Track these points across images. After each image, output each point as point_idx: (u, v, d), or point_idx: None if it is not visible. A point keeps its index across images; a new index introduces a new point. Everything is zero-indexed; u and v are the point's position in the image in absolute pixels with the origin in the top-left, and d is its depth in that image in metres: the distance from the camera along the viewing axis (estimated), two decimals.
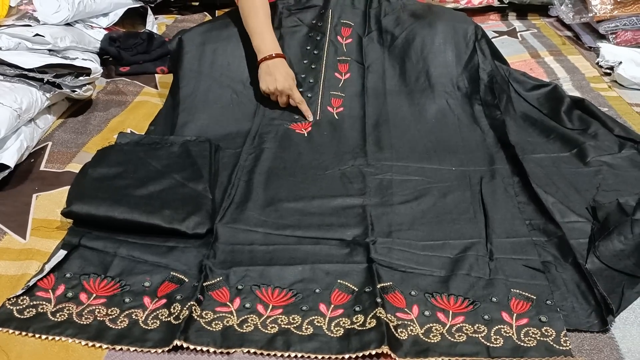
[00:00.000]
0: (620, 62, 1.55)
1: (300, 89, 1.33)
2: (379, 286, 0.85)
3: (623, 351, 0.76)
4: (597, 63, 1.64)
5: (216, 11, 2.20)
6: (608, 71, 1.59)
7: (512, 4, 2.07)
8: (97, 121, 1.36)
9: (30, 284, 0.87)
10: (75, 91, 1.34)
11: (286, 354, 0.77)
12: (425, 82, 1.36)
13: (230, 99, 1.33)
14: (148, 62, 1.65)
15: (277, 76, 1.27)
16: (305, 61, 1.36)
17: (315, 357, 0.76)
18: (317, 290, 0.87)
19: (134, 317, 0.82)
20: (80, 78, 1.35)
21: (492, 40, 1.82)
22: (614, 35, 1.71)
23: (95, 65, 1.41)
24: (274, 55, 1.28)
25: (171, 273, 0.89)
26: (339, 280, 0.88)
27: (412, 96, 1.35)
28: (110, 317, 0.82)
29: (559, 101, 1.33)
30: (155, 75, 1.62)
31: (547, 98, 1.37)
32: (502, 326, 0.80)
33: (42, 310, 0.83)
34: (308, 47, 1.39)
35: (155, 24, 1.93)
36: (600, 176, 1.11)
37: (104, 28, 1.72)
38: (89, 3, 1.65)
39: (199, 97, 1.32)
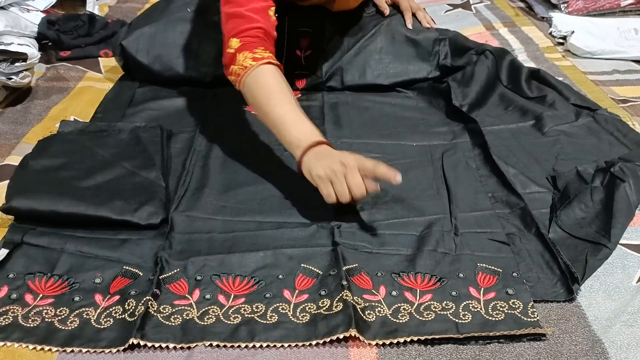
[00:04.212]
0: (573, 32, 1.55)
1: None
2: (344, 268, 0.82)
3: (590, 319, 0.76)
4: (550, 33, 1.65)
5: None
6: (561, 41, 1.60)
7: None
8: (38, 110, 1.28)
9: None
10: (12, 78, 1.26)
11: (250, 345, 0.73)
12: None
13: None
14: (90, 45, 1.56)
15: (337, 157, 0.88)
16: None
17: (282, 346, 0.73)
18: (281, 276, 0.83)
19: (85, 316, 0.77)
20: (17, 64, 1.27)
21: (447, 13, 1.83)
22: (565, 5, 1.71)
23: (32, 50, 1.32)
24: (317, 142, 0.90)
25: (124, 267, 0.84)
26: (302, 265, 0.85)
27: None
28: (60, 317, 0.77)
29: (519, 71, 1.32)
30: (99, 58, 1.53)
31: (507, 68, 1.36)
32: (470, 302, 0.79)
33: None
34: None
35: (97, 4, 1.82)
36: (558, 145, 1.11)
37: (41, 11, 1.62)
38: None
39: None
